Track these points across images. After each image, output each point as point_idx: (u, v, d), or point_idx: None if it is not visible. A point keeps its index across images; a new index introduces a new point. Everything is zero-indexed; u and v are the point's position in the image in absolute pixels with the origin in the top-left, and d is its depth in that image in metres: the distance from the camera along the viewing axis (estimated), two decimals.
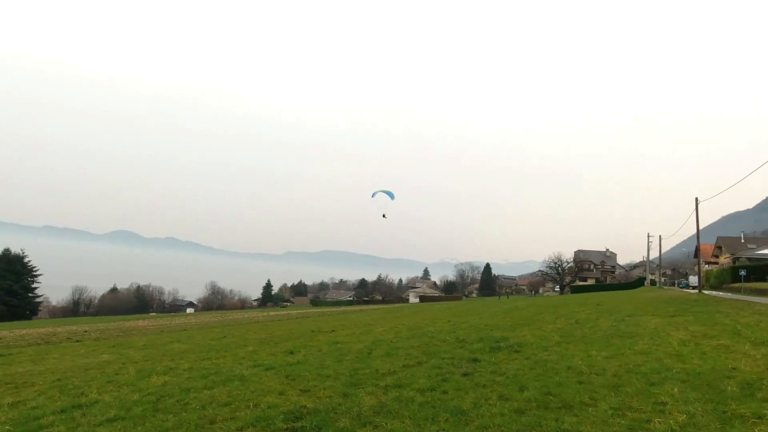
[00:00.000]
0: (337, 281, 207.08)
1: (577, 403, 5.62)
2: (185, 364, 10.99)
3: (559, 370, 7.63)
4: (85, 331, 32.20)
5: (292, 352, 11.82)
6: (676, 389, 5.91)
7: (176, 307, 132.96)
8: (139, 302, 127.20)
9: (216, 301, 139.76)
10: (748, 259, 57.71)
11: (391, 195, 29.76)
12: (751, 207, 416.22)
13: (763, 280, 38.38)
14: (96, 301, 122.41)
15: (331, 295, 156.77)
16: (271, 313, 59.71)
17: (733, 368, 6.99)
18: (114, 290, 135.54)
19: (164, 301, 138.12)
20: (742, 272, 37.84)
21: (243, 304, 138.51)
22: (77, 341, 24.20)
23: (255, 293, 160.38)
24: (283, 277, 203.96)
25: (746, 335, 10.16)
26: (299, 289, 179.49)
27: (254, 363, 10.27)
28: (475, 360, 8.95)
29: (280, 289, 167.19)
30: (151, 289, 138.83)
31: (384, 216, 32.52)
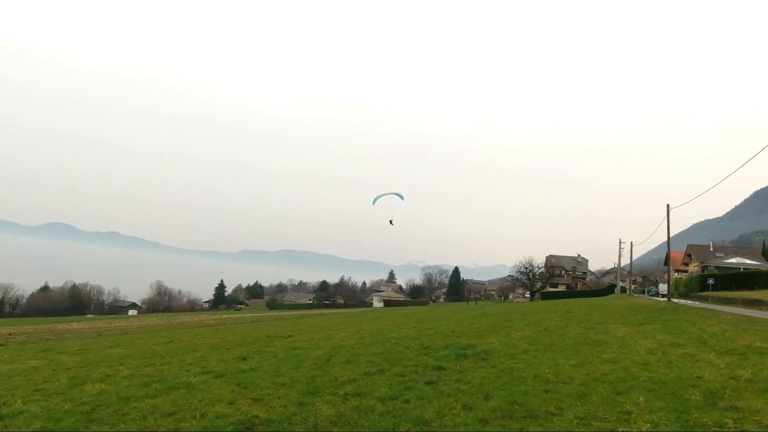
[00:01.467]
0: (296, 283, 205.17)
1: (543, 413, 5.79)
2: (125, 371, 10.67)
3: (526, 378, 7.83)
4: (10, 334, 30.71)
5: (245, 359, 11.67)
6: (641, 398, 6.17)
7: (117, 308, 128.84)
8: (75, 303, 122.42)
9: (162, 303, 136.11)
10: (717, 267, 60.85)
11: (400, 196, 29.66)
12: (721, 215, 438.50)
13: (730, 289, 40.44)
14: (24, 300, 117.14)
15: (290, 298, 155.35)
16: (224, 316, 58.70)
17: (698, 377, 7.35)
18: (45, 289, 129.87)
19: (103, 301, 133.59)
20: (710, 281, 39.82)
21: (192, 306, 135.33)
22: (0, 345, 23.07)
23: (206, 294, 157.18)
24: (237, 278, 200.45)
25: (711, 344, 10.69)
26: (255, 291, 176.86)
27: (203, 370, 10.09)
28: (440, 368, 9.07)
29: (235, 291, 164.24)
30: (88, 288, 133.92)
31: (391, 222, 32.34)
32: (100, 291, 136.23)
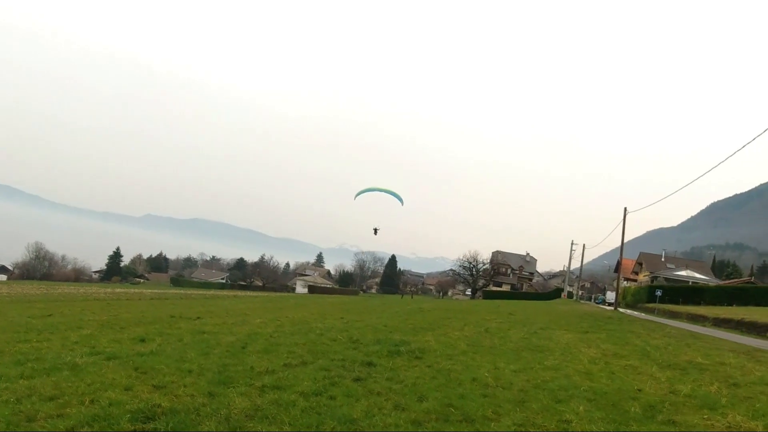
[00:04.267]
0: (208, 258, 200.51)
1: (480, 417, 6.10)
2: None
3: (464, 381, 8.18)
4: None
5: (143, 340, 11.39)
6: (581, 408, 6.64)
7: None
8: None
9: (41, 269, 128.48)
10: (666, 279, 65.48)
11: (399, 199, 28.20)
12: (676, 225, 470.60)
13: (677, 302, 43.77)
14: None
15: (199, 275, 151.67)
16: (118, 290, 56.53)
17: (639, 389, 7.99)
18: None
19: None
20: (658, 292, 42.86)
21: (78, 276, 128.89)
22: None
23: (97, 263, 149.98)
24: (138, 246, 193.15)
25: (654, 357, 11.61)
26: (158, 264, 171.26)
27: (92, 350, 9.77)
28: (370, 364, 9.28)
29: (133, 261, 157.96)
30: None
31: (376, 231, 30.76)
32: None
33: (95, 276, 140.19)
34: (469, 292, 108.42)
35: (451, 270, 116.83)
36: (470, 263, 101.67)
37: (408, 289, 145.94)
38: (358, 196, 27.99)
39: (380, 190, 28.42)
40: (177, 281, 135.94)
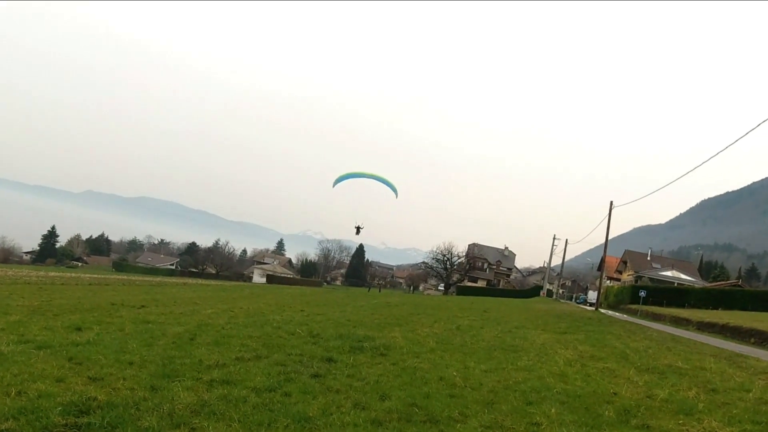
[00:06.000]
0: (155, 242, 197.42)
1: (445, 418, 6.23)
2: None
3: (430, 380, 8.33)
4: None
5: (79, 329, 11.24)
6: (553, 410, 6.84)
7: None
8: None
9: None
10: (651, 279, 67.30)
11: (393, 189, 26.28)
12: (663, 222, 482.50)
13: (660, 303, 45.06)
14: None
15: (146, 260, 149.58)
16: (52, 274, 55.30)
17: (614, 393, 8.26)
18: None
19: None
20: (642, 293, 43.98)
21: (7, 257, 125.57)
22: None
23: (29, 243, 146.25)
24: (76, 226, 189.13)
25: (633, 360, 11.99)
26: (99, 246, 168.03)
27: (20, 338, 9.60)
28: (330, 360, 9.36)
29: (70, 242, 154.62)
30: None
31: (359, 230, 29.23)
32: None
33: (26, 258, 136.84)
34: (441, 287, 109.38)
35: (424, 263, 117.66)
36: (444, 256, 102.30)
37: (376, 282, 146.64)
38: (339, 183, 26.55)
39: (370, 177, 26.86)
40: (120, 266, 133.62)
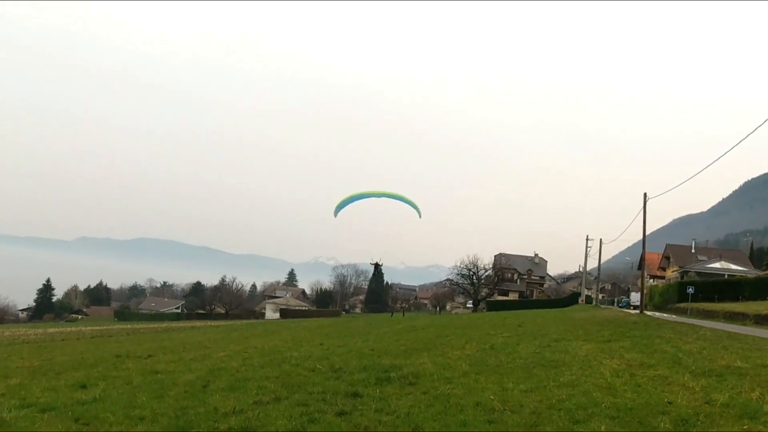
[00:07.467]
0: (157, 285, 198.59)
1: None
2: None
3: (465, 406, 8.24)
4: None
5: (84, 386, 11.33)
6: (603, 427, 6.76)
7: None
8: None
9: None
10: (698, 273, 66.46)
11: (416, 209, 26.71)
12: (705, 210, 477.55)
13: (711, 299, 44.39)
14: None
15: (149, 305, 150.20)
16: (51, 330, 55.80)
17: (669, 402, 8.13)
18: None
19: None
20: (690, 290, 43.42)
21: (2, 317, 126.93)
22: None
23: (25, 299, 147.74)
24: (72, 276, 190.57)
25: (687, 364, 11.79)
26: (98, 295, 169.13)
27: (22, 402, 9.70)
28: (356, 395, 9.30)
29: (67, 294, 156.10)
30: None
31: (378, 265, 29.01)
32: None
33: (23, 315, 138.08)
34: (470, 304, 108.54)
35: (448, 280, 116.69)
36: (470, 270, 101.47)
37: (398, 305, 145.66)
38: (342, 210, 26.67)
39: (380, 196, 27.14)
40: (122, 314, 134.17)
